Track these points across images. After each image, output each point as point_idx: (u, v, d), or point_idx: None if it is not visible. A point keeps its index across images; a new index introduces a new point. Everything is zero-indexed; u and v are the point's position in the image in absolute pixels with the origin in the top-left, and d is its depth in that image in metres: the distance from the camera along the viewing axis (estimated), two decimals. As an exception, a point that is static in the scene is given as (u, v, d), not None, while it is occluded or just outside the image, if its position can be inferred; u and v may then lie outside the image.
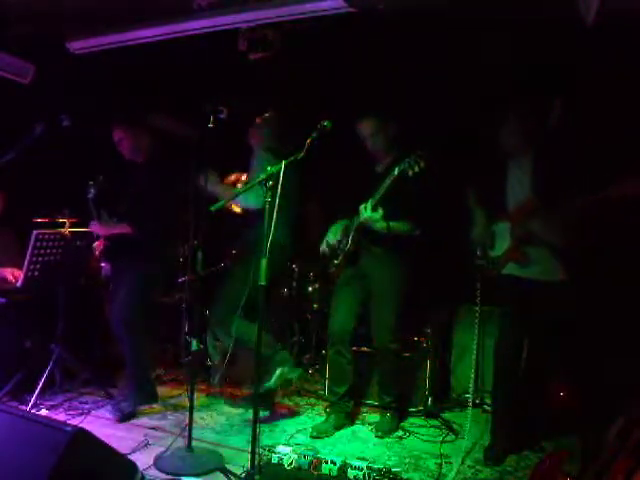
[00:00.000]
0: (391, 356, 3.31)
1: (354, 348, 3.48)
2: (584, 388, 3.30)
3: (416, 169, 2.94)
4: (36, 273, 3.54)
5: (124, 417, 3.36)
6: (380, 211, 3.06)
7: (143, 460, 2.77)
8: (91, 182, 3.45)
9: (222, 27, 3.27)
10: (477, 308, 3.15)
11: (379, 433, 3.30)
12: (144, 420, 3.40)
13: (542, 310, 2.89)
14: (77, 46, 3.59)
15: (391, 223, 3.12)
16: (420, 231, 3.23)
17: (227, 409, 3.69)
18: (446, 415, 3.60)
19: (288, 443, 3.12)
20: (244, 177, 3.77)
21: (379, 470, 2.61)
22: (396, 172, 3.00)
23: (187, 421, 2.89)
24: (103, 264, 3.63)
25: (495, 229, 3.03)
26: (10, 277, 3.72)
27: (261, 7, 3.09)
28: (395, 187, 3.03)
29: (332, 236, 3.41)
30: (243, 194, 3.07)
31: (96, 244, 3.54)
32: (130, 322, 3.40)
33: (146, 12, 3.25)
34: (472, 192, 3.16)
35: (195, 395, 2.94)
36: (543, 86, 3.25)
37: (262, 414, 3.27)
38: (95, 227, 3.46)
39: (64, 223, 3.63)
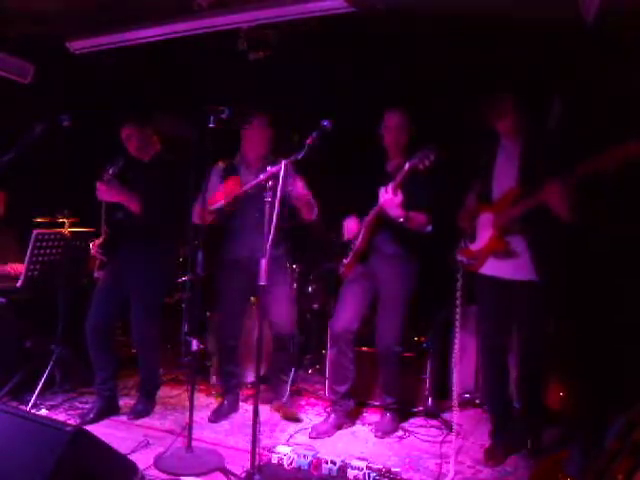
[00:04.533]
0: (394, 358, 3.31)
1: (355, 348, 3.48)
2: (584, 388, 3.30)
3: (426, 162, 2.91)
4: (36, 273, 3.54)
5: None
6: (400, 196, 3.00)
7: (143, 460, 2.76)
8: (111, 166, 3.29)
9: (222, 27, 3.27)
10: (457, 306, 2.96)
11: (379, 433, 3.30)
12: (144, 420, 3.40)
13: (526, 310, 2.84)
14: (77, 46, 3.59)
15: (409, 212, 3.06)
16: (432, 227, 3.18)
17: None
18: (446, 415, 3.60)
19: (288, 443, 3.12)
20: None
21: (379, 470, 2.61)
22: (407, 166, 2.96)
23: (187, 421, 2.89)
24: (96, 274, 3.58)
25: (477, 222, 2.95)
26: (11, 270, 3.73)
27: (261, 7, 3.09)
28: (408, 181, 3.00)
29: (350, 226, 3.36)
30: None
31: (92, 243, 3.47)
32: (151, 327, 3.44)
33: (146, 12, 3.24)
34: (476, 185, 3.10)
35: (195, 395, 2.94)
36: (542, 85, 3.25)
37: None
38: (101, 189, 3.25)
39: (64, 223, 3.63)
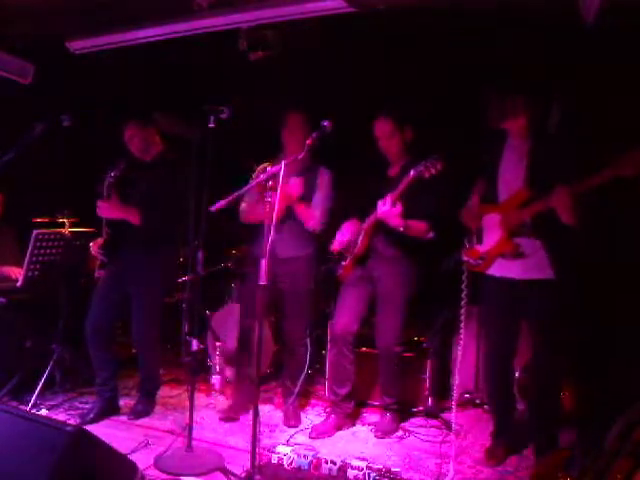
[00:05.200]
0: (393, 358, 3.31)
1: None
2: (585, 388, 3.29)
3: (432, 171, 2.89)
4: (36, 273, 3.54)
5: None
6: (399, 207, 3.00)
7: (143, 460, 2.77)
8: (112, 169, 3.33)
9: (222, 27, 3.26)
10: (462, 307, 2.94)
11: (379, 433, 3.30)
12: (144, 420, 3.40)
13: (535, 310, 2.79)
14: (77, 46, 3.59)
15: (408, 222, 3.06)
16: (433, 234, 3.17)
17: (227, 409, 3.69)
18: (446, 415, 3.60)
19: (288, 443, 3.12)
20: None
21: (379, 470, 2.61)
22: (412, 174, 2.94)
23: (187, 421, 2.89)
24: (96, 274, 3.58)
25: (483, 223, 2.91)
26: (13, 275, 3.73)
27: (261, 7, 3.09)
28: (411, 189, 2.99)
29: (344, 234, 3.36)
30: None
31: (93, 243, 3.46)
32: (151, 327, 3.46)
33: (146, 12, 3.24)
34: (480, 184, 3.04)
35: (195, 395, 2.94)
36: (543, 85, 3.24)
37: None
38: (102, 206, 3.28)
39: (64, 223, 3.63)
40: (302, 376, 3.52)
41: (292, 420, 3.44)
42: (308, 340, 3.54)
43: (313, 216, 3.34)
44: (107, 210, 3.30)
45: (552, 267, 2.70)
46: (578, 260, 2.82)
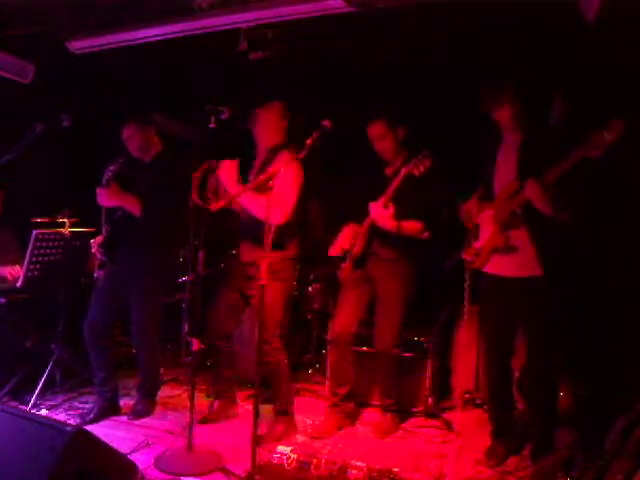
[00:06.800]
0: (392, 360, 3.31)
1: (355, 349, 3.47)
2: (584, 388, 3.29)
3: (421, 168, 2.92)
4: (36, 273, 3.54)
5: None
6: (391, 209, 3.04)
7: (143, 460, 2.77)
8: (112, 164, 3.32)
9: (222, 27, 3.27)
10: (465, 305, 3.01)
11: (379, 433, 3.29)
12: (144, 420, 3.40)
13: (528, 307, 2.80)
14: (77, 46, 3.59)
15: (402, 223, 3.09)
16: (429, 234, 3.19)
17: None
18: (446, 415, 3.60)
19: (288, 443, 3.11)
20: None
21: (379, 470, 2.61)
22: (402, 172, 2.98)
23: (187, 421, 2.89)
24: (96, 274, 3.58)
25: (480, 220, 2.94)
26: (9, 276, 3.73)
27: (261, 7, 3.09)
28: (403, 188, 3.01)
29: (344, 239, 3.36)
30: None
31: (93, 241, 3.47)
32: (151, 328, 3.44)
33: (146, 12, 3.25)
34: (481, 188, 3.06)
35: (195, 395, 2.94)
36: (543, 82, 3.24)
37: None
38: (102, 193, 3.26)
39: (64, 223, 3.63)
40: (283, 391, 3.26)
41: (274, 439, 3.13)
42: (284, 353, 3.22)
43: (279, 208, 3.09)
44: (106, 197, 3.28)
45: (539, 260, 2.71)
46: (567, 253, 2.84)
